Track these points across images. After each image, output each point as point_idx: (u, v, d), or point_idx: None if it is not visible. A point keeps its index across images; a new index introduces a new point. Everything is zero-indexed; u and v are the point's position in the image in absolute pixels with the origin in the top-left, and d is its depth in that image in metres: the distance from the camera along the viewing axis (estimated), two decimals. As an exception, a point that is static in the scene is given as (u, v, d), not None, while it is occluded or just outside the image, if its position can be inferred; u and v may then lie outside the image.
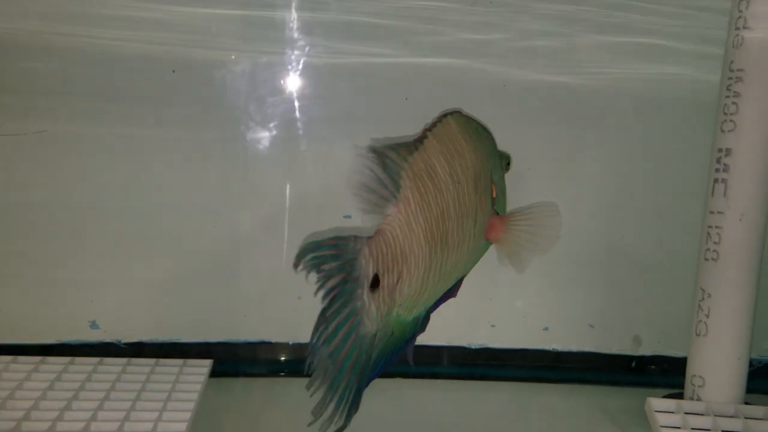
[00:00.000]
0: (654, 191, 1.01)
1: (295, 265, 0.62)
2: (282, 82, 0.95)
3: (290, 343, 1.00)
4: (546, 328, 1.03)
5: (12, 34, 0.91)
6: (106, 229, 0.96)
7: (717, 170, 0.86)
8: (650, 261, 1.02)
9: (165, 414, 0.78)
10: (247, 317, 0.99)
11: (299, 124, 0.96)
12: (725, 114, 0.86)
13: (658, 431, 0.83)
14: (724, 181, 0.86)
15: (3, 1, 0.91)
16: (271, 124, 0.96)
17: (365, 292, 0.64)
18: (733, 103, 0.85)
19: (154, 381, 0.86)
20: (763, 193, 0.85)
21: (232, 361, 0.99)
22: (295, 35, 0.95)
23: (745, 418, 0.83)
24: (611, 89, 0.99)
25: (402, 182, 0.66)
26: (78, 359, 0.91)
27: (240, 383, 0.97)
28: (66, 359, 0.91)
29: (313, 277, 0.62)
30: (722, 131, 0.86)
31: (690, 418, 0.83)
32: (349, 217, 0.97)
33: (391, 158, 0.66)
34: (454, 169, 0.70)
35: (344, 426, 0.66)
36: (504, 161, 0.80)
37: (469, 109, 0.79)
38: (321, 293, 0.63)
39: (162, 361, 0.92)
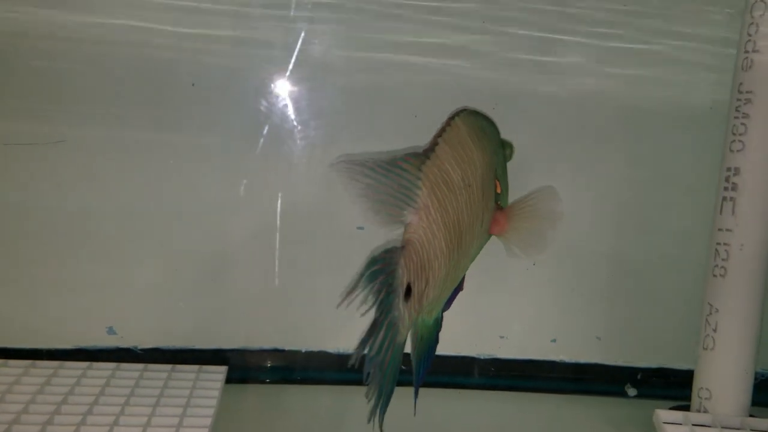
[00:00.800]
0: (662, 205, 1.03)
1: (356, 282, 0.63)
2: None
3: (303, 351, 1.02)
4: (554, 340, 1.04)
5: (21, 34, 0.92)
6: (121, 234, 0.97)
7: (726, 189, 0.89)
8: (657, 274, 1.04)
9: (185, 419, 0.79)
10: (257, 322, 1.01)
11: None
12: (734, 134, 0.88)
13: (666, 442, 0.85)
14: (732, 199, 0.88)
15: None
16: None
17: (401, 302, 0.66)
18: (742, 123, 0.87)
19: (172, 387, 0.88)
20: (771, 212, 0.88)
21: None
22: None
23: (751, 430, 0.85)
24: (619, 100, 1.00)
25: (419, 192, 0.67)
26: (95, 364, 0.92)
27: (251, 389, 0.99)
28: (84, 364, 0.92)
29: (367, 290, 0.64)
30: (731, 151, 0.88)
31: (697, 430, 0.85)
32: (361, 228, 0.98)
33: (406, 168, 0.66)
34: (465, 173, 0.71)
35: None
36: (507, 150, 0.81)
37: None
38: (373, 305, 0.64)
39: (178, 367, 0.93)
